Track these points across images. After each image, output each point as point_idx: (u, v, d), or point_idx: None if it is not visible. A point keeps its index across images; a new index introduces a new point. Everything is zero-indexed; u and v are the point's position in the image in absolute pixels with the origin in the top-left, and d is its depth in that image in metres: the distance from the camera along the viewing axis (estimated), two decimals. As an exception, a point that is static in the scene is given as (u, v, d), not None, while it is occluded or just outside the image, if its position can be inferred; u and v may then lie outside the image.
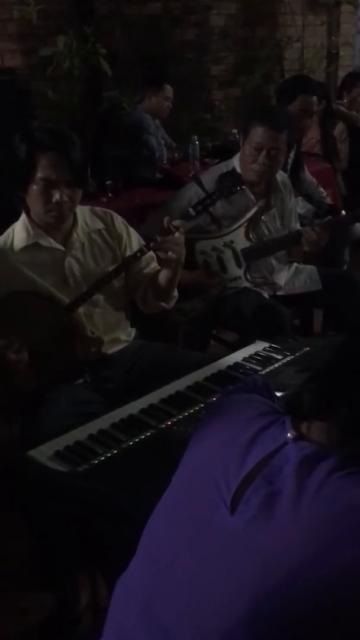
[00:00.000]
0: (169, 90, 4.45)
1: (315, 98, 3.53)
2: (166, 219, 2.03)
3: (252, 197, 2.77)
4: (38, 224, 2.07)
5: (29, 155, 1.96)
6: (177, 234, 2.01)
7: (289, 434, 0.99)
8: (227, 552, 0.94)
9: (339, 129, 4.74)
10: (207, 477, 1.01)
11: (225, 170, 2.67)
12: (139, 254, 2.08)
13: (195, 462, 1.09)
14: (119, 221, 2.23)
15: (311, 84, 3.70)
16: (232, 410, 1.14)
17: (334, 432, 0.96)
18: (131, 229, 2.25)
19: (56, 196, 1.97)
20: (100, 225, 2.18)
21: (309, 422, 0.99)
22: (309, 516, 0.89)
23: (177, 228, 2.01)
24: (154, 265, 2.20)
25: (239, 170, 2.70)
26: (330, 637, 0.86)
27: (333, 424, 0.96)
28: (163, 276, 2.13)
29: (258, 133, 2.64)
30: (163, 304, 2.24)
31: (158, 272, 2.15)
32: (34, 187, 1.98)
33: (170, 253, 2.02)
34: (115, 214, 2.25)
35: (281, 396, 1.28)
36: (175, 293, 2.25)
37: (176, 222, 2.01)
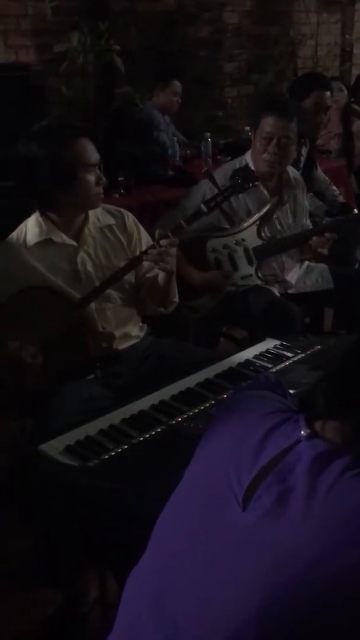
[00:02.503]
0: (176, 85, 4.44)
1: (328, 93, 3.53)
2: (158, 231, 2.03)
3: (266, 192, 2.76)
4: (52, 220, 2.08)
5: (66, 146, 1.96)
6: (165, 248, 2.00)
7: (302, 432, 0.99)
8: (238, 548, 0.94)
9: (357, 126, 4.75)
10: (219, 474, 1.01)
11: (238, 167, 2.67)
12: (149, 251, 2.08)
13: (208, 458, 1.09)
14: (131, 220, 2.23)
15: (325, 79, 3.70)
16: (245, 406, 1.14)
17: (347, 431, 0.96)
18: (142, 229, 2.25)
19: (100, 177, 2.02)
20: (111, 220, 2.19)
21: (322, 421, 0.99)
22: (320, 514, 0.89)
23: (163, 242, 2.00)
24: (155, 270, 2.18)
25: (251, 166, 2.70)
26: (338, 636, 0.86)
27: (347, 423, 0.96)
28: (159, 280, 2.13)
29: (268, 123, 2.63)
30: (161, 308, 2.25)
31: (156, 276, 2.15)
32: (84, 175, 1.99)
33: (160, 264, 2.02)
34: (127, 213, 2.25)
35: (294, 394, 1.28)
36: (176, 299, 2.25)
37: (163, 242, 2.00)
